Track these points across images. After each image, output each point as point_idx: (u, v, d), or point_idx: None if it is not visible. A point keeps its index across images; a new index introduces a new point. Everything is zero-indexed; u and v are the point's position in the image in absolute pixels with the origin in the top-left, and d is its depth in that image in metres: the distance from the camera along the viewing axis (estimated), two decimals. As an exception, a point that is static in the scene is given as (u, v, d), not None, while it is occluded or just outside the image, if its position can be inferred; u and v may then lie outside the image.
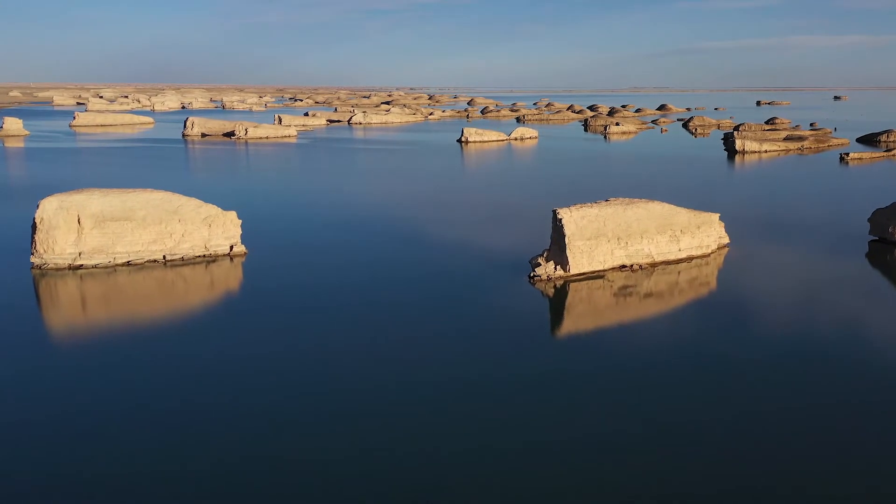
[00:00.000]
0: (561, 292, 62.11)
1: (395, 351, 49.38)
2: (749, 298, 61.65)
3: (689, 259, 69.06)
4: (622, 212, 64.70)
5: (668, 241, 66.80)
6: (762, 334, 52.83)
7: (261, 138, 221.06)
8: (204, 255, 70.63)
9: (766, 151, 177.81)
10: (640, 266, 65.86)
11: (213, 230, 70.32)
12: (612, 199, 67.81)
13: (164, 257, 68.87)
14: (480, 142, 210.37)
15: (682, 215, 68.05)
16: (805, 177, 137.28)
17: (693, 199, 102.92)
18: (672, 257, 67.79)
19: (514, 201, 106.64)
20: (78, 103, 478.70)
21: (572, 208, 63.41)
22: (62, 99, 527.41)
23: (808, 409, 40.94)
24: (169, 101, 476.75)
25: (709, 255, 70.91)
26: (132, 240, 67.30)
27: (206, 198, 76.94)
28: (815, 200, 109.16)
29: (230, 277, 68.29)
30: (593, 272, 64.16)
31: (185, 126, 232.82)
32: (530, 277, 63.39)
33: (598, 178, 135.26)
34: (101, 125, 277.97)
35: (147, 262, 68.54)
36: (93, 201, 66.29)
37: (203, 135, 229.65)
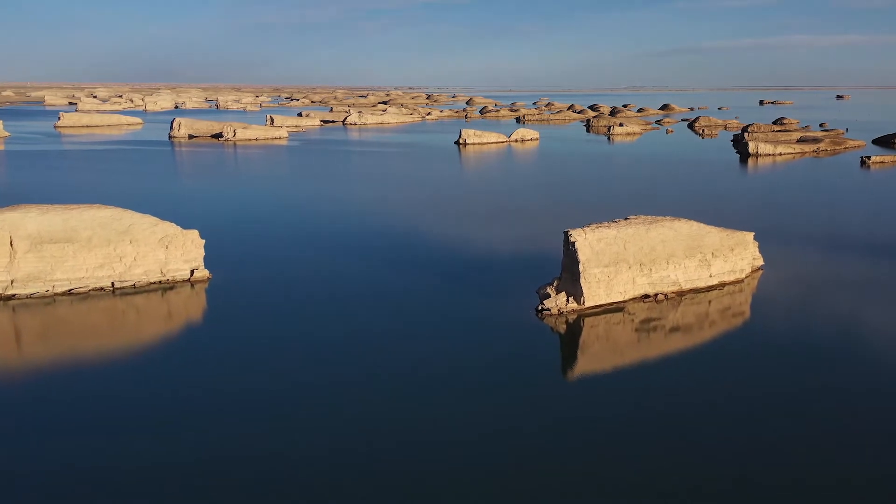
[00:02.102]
0: (574, 328, 52.86)
1: (383, 398, 41.33)
2: (790, 331, 52.82)
3: (721, 286, 59.78)
4: (644, 233, 55.39)
5: (697, 266, 57.49)
6: (807, 376, 44.71)
7: (249, 140, 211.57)
8: (160, 282, 61.27)
9: (780, 154, 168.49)
10: (666, 295, 56.57)
11: (171, 252, 60.94)
12: (631, 217, 58.47)
13: (113, 284, 59.52)
14: (479, 144, 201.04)
15: (713, 236, 58.74)
16: (830, 183, 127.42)
17: (713, 211, 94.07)
18: (702, 284, 58.49)
19: (518, 216, 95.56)
20: (70, 103, 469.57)
21: (587, 229, 54.08)
22: (54, 98, 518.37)
23: (866, 469, 32.90)
24: (162, 101, 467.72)
25: (742, 280, 61.62)
26: (75, 265, 57.97)
27: (169, 212, 67.97)
28: (849, 211, 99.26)
29: (191, 306, 59.12)
30: (612, 304, 54.86)
31: (171, 127, 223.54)
32: (538, 311, 54.07)
33: (607, 186, 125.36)
34: (87, 126, 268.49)
35: (92, 290, 59.20)
36: (28, 220, 56.94)
37: (190, 136, 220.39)
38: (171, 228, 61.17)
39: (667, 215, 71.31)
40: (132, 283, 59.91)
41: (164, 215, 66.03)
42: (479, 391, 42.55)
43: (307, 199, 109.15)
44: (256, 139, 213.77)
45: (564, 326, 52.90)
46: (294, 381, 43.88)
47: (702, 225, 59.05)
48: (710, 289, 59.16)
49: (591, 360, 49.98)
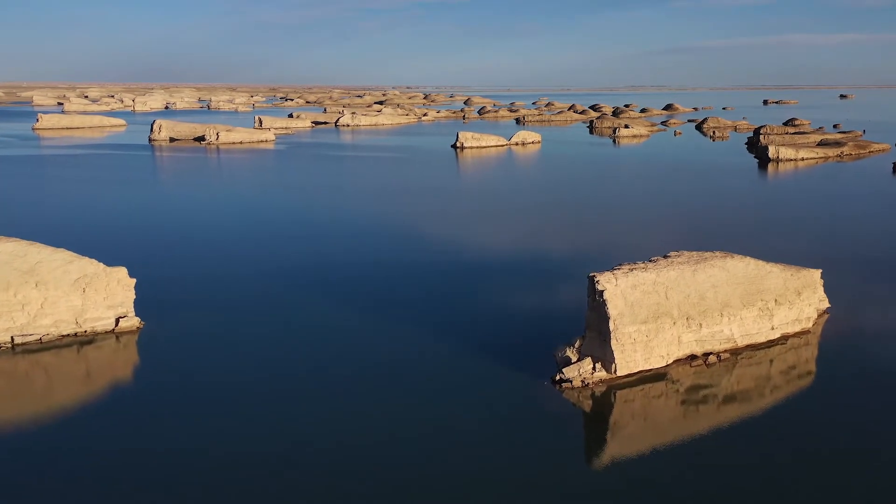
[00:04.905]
0: (603, 404, 40.46)
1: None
2: (870, 394, 41.22)
3: (784, 339, 47.36)
4: (691, 276, 42.93)
5: (756, 316, 45.02)
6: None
7: (233, 143, 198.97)
8: (75, 334, 48.69)
9: (802, 159, 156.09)
10: (718, 356, 44.11)
11: (90, 296, 48.36)
12: (672, 253, 46.02)
13: (13, 340, 46.89)
14: (478, 147, 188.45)
15: (775, 276, 46.24)
16: (868, 194, 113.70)
17: (751, 234, 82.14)
18: (761, 339, 46.03)
19: (525, 245, 77.17)
20: (59, 103, 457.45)
21: (617, 272, 41.58)
22: (43, 98, 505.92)
23: None
24: (152, 101, 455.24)
25: (809, 330, 49.19)
26: (-38, 315, 45.52)
27: (97, 241, 55.53)
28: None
29: (116, 365, 46.79)
30: (650, 370, 42.39)
31: (151, 130, 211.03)
32: (556, 381, 41.52)
33: (626, 202, 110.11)
34: (68, 128, 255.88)
35: (-15, 347, 46.76)
36: None
37: (171, 139, 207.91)
38: (90, 266, 48.60)
39: (703, 242, 59.40)
40: (38, 336, 47.32)
41: (89, 246, 53.94)
42: (479, 488, 31.29)
43: (280, 220, 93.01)
44: (241, 142, 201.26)
45: (590, 402, 40.43)
46: (247, 462, 33.50)
47: (760, 262, 46.56)
48: (770, 344, 46.76)
49: (626, 444, 37.74)
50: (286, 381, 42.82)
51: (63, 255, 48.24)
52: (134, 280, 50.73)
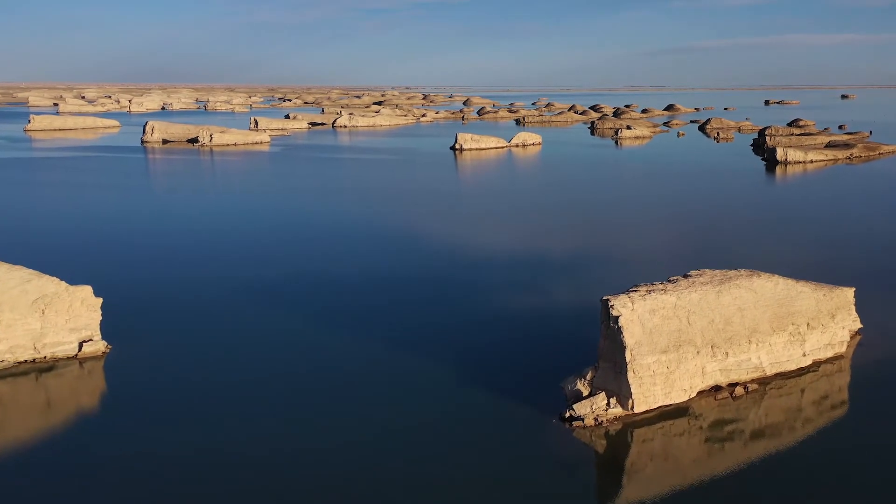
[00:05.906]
0: (618, 444, 36.04)
1: None
2: None
3: (816, 365, 42.95)
4: (715, 299, 38.47)
5: (787, 342, 40.57)
6: None
7: (227, 145, 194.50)
8: (33, 360, 44.22)
9: (811, 161, 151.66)
10: (746, 386, 39.66)
11: (50, 318, 43.87)
12: (692, 272, 41.54)
13: (-38, 368, 42.61)
14: (477, 149, 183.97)
15: (807, 297, 41.78)
16: (884, 198, 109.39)
17: (766, 243, 77.80)
18: (792, 366, 41.60)
19: (527, 259, 70.40)
20: (54, 104, 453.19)
21: (634, 295, 37.10)
22: (38, 99, 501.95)
23: None
24: (148, 102, 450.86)
25: (842, 355, 44.75)
26: None
27: (63, 257, 50.93)
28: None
29: (80, 394, 42.59)
30: (671, 405, 37.92)
31: (144, 131, 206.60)
32: (566, 418, 37.03)
33: (633, 209, 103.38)
34: (60, 129, 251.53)
35: (-69, 376, 42.35)
36: None
37: (165, 141, 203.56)
38: (50, 285, 44.10)
39: (721, 255, 55.05)
40: (-9, 364, 42.94)
41: (51, 262, 49.41)
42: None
43: (269, 228, 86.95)
44: (235, 144, 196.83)
45: (604, 443, 35.97)
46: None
47: (790, 282, 42.10)
48: (801, 372, 42.34)
49: (644, 489, 33.44)
50: (268, 418, 38.37)
51: (20, 273, 43.76)
52: (100, 300, 46.23)
